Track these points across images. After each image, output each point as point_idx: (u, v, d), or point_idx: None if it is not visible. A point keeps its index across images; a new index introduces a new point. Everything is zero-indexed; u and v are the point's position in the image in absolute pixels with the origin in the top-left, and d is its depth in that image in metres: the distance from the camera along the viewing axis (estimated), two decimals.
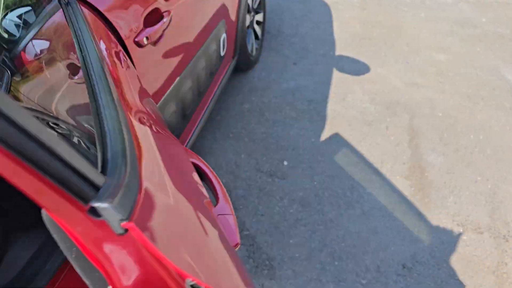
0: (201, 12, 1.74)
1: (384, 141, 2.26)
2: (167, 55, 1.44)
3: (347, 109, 2.48)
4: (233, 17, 2.22)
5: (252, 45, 2.72)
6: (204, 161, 0.98)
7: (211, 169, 0.97)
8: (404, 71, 2.82)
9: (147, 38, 1.27)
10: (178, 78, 1.55)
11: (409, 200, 1.95)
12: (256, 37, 2.86)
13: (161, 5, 1.39)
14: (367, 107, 2.49)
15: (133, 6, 1.26)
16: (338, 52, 2.98)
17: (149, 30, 1.29)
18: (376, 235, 1.80)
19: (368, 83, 2.69)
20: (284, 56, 2.94)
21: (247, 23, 2.60)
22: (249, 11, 2.62)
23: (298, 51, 2.99)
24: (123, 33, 1.18)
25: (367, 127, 2.35)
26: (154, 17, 1.35)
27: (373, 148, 2.21)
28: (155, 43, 1.33)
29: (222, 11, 2.02)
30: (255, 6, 2.75)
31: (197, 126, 1.88)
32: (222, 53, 2.08)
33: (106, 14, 1.14)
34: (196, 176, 0.90)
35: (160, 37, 1.37)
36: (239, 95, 2.61)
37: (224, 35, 2.06)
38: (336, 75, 2.75)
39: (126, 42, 1.19)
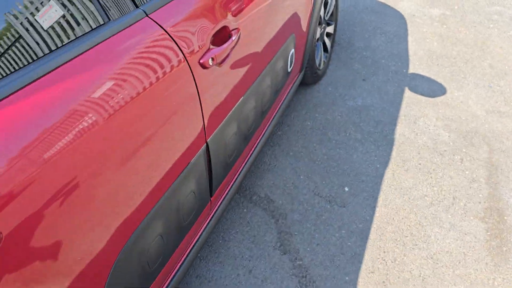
0: (271, 27, 1.66)
1: (457, 175, 2.06)
2: (232, 75, 1.38)
3: (417, 135, 2.29)
4: (303, 30, 2.13)
5: (320, 58, 2.61)
6: None
7: None
8: (486, 96, 2.57)
9: (212, 59, 1.21)
10: (241, 99, 1.49)
11: (484, 246, 1.75)
12: (325, 49, 2.74)
13: (230, 22, 1.33)
14: (440, 134, 2.29)
15: (200, 25, 1.20)
16: (412, 70, 2.78)
17: (215, 50, 1.23)
18: (443, 282, 1.63)
19: (444, 107, 2.48)
20: (353, 71, 2.80)
21: (317, 35, 2.49)
22: (320, 23, 2.51)
23: (368, 66, 2.84)
24: (187, 53, 1.13)
25: (439, 157, 2.16)
26: (221, 35, 1.29)
27: (445, 182, 2.02)
28: (220, 63, 1.27)
29: (293, 24, 1.93)
30: (327, 17, 2.64)
31: (256, 146, 1.81)
32: (289, 69, 1.99)
33: (171, 33, 1.10)
34: None
35: (226, 57, 1.30)
36: (303, 110, 2.51)
37: (292, 50, 1.97)
38: (408, 95, 2.57)
39: (191, 63, 1.14)
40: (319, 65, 2.62)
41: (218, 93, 1.31)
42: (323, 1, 2.36)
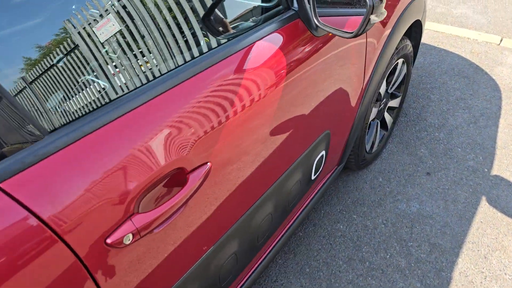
0: (283, 136, 1.17)
1: None
2: (186, 233, 0.91)
3: (486, 280, 1.66)
4: (347, 118, 1.60)
5: (373, 140, 2.05)
6: None
7: None
8: None
9: (133, 234, 0.75)
10: (206, 253, 1.02)
11: None
12: (383, 125, 2.17)
13: (190, 159, 0.85)
14: None
15: (112, 181, 0.73)
16: (496, 170, 2.11)
17: (142, 217, 0.77)
18: None
19: None
20: (417, 158, 2.19)
21: (372, 116, 1.93)
22: (379, 100, 1.95)
23: (438, 154, 2.21)
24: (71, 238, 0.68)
25: None
26: (169, 184, 0.83)
27: None
28: (155, 228, 0.81)
29: (328, 117, 1.42)
30: (391, 90, 2.06)
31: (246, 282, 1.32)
32: (313, 177, 1.48)
33: (37, 209, 0.65)
34: None
35: (171, 216, 0.84)
36: (338, 205, 1.97)
37: (322, 153, 1.46)
38: (484, 210, 1.92)
39: (79, 251, 0.69)
40: (371, 148, 2.06)
41: (145, 270, 0.85)
42: (386, 72, 1.81)
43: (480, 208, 1.93)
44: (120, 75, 0.83)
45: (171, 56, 0.93)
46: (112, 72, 0.81)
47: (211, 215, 0.95)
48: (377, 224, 1.88)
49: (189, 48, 0.96)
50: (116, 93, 0.80)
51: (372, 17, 0.96)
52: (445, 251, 1.76)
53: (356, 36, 1.01)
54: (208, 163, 0.89)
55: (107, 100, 0.78)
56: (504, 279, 1.66)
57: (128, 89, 0.81)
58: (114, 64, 0.82)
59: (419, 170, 2.13)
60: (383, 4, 0.97)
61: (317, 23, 1.10)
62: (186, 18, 0.99)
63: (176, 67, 0.90)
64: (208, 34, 1.06)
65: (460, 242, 1.79)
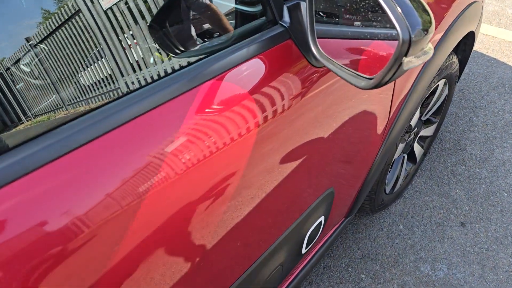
0: (256, 205, 0.77)
1: None
2: None
3: None
4: (361, 164, 1.18)
5: (395, 178, 1.62)
6: None
7: None
8: None
9: None
10: None
11: None
12: (411, 154, 1.72)
13: None
14: None
15: None
16: None
17: None
18: None
19: None
20: (450, 201, 1.75)
21: (397, 153, 1.50)
22: (407, 132, 1.51)
23: (477, 198, 1.76)
24: None
25: None
26: None
27: None
28: None
29: (336, 167, 1.01)
30: (426, 117, 1.61)
31: None
32: (303, 251, 1.07)
33: None
34: None
35: None
36: (343, 259, 1.57)
37: (320, 219, 1.05)
38: None
39: None
40: (392, 188, 1.63)
41: None
42: (422, 99, 1.36)
43: None
44: None
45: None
46: None
47: None
48: None
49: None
50: None
51: (408, 59, 0.53)
52: None
53: (378, 86, 0.59)
54: None
55: None
56: None
57: None
58: None
59: (451, 219, 1.69)
60: (429, 37, 0.54)
61: (315, 53, 0.68)
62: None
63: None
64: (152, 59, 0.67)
65: None
